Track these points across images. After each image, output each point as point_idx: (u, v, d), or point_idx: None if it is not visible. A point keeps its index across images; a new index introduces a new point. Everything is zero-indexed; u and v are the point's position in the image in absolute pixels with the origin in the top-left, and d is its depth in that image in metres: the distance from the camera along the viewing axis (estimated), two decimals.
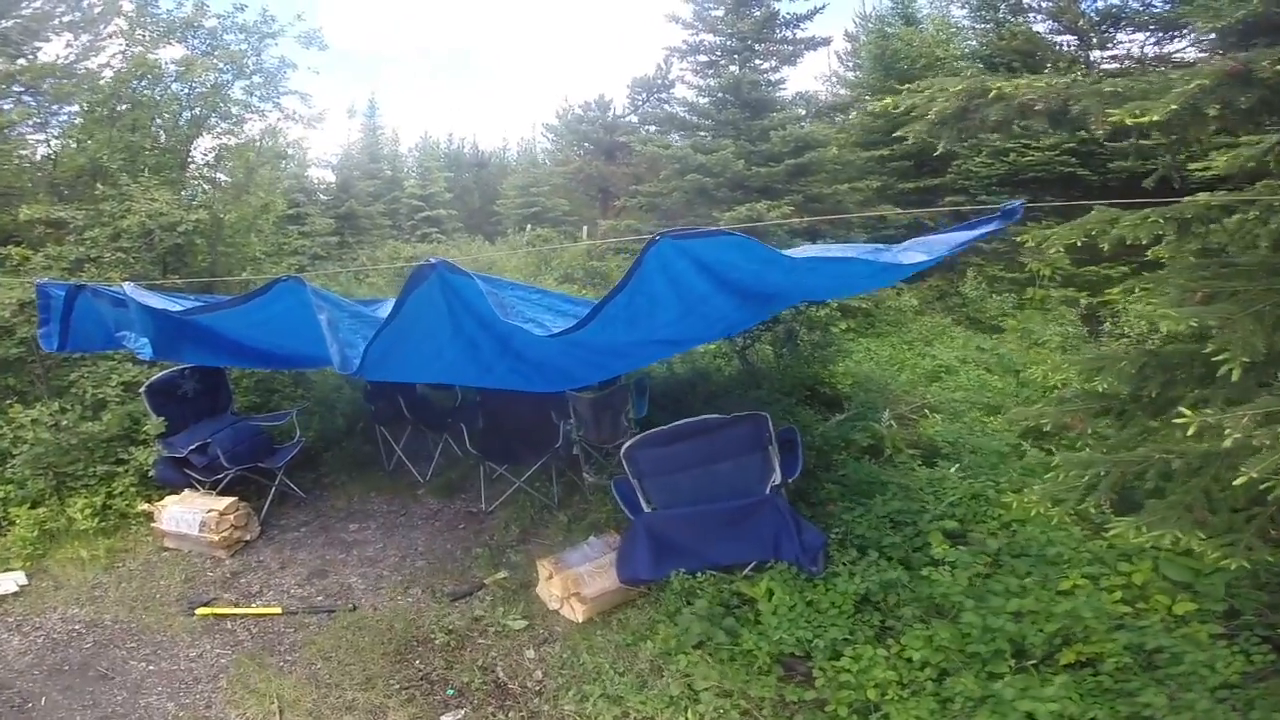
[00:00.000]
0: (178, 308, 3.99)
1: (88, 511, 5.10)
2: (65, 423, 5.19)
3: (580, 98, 33.48)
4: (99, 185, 6.26)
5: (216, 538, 4.89)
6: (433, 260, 2.94)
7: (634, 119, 22.22)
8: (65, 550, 4.92)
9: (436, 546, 5.17)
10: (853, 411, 6.18)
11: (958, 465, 5.03)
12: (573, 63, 68.85)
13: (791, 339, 7.57)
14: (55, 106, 7.78)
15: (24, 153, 7.68)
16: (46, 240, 6.07)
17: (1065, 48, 14.73)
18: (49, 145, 7.79)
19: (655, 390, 6.71)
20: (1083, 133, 12.09)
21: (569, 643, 3.95)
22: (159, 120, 7.18)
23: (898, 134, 3.80)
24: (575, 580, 4.20)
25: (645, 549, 3.89)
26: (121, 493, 5.32)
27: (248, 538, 5.18)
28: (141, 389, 5.41)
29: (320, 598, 4.48)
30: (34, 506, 5.13)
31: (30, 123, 7.72)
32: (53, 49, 9.46)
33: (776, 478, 3.97)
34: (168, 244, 6.21)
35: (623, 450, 3.86)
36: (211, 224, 6.52)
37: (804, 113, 12.85)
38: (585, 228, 18.18)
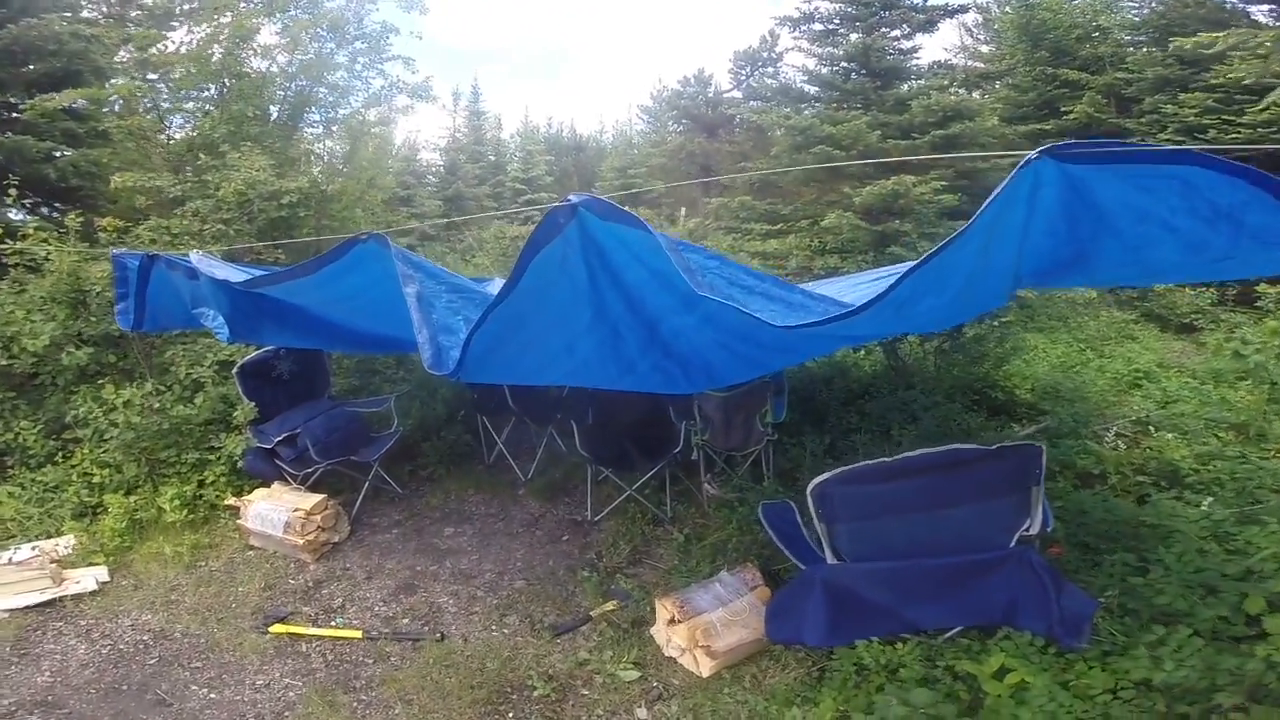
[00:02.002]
0: (243, 277, 3.44)
1: (177, 502, 4.77)
2: (158, 405, 4.87)
3: (677, 75, 32.13)
4: (201, 155, 5.99)
5: (301, 541, 4.41)
6: (572, 198, 2.09)
7: (737, 94, 20.99)
8: (151, 544, 4.59)
9: (537, 562, 4.48)
10: (1045, 424, 5.00)
11: (1211, 500, 3.80)
12: (666, 43, 66.85)
13: (957, 331, 6.35)
14: (183, 92, 7.74)
15: (158, 135, 7.65)
16: (150, 213, 5.84)
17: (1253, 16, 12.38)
18: (174, 127, 7.76)
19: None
20: None
21: (689, 702, 3.16)
22: (266, 93, 6.88)
23: (1064, 109, 2.68)
24: (705, 631, 3.37)
25: (821, 609, 2.97)
26: (213, 483, 4.96)
27: (336, 539, 4.69)
28: (234, 370, 5.02)
29: (406, 620, 3.86)
30: (128, 493, 4.86)
31: (163, 105, 7.69)
32: (177, 37, 9.63)
33: (1033, 526, 2.92)
34: (269, 216, 5.86)
35: (812, 487, 2.94)
36: (315, 197, 6.13)
37: (948, 82, 11.27)
38: (684, 209, 17.19)
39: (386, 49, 7.34)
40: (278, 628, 3.71)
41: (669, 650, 3.47)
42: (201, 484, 4.98)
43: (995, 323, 6.42)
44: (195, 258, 3.45)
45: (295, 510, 4.50)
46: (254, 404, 4.92)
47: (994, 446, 2.93)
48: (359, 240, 2.65)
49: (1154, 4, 12.76)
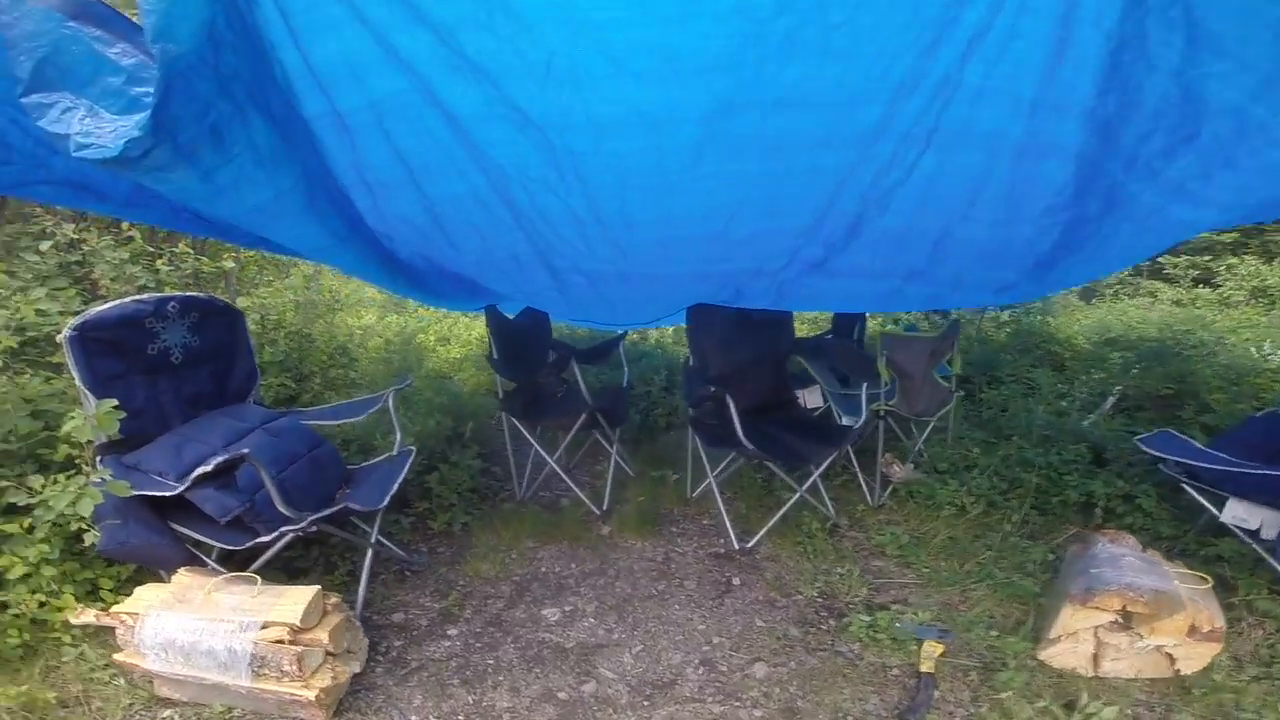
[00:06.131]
0: None
1: None
2: None
3: None
4: None
5: (313, 692, 1.97)
6: None
7: None
8: None
9: (737, 627, 2.66)
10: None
11: None
12: None
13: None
14: None
15: None
16: None
17: None
18: None
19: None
20: None
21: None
22: None
23: None
24: (1210, 614, 2.24)
25: None
26: (25, 578, 2.20)
27: (356, 667, 2.26)
28: (65, 332, 2.31)
29: None
30: None
31: None
32: None
33: None
34: None
35: None
36: None
37: None
38: None
39: None
40: None
41: (1101, 666, 2.28)
42: (5, 581, 2.20)
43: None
44: None
45: (265, 626, 2.03)
46: (115, 405, 2.27)
47: None
48: None
49: None
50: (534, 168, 1.90)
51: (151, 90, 1.43)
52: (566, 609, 2.76)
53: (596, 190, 1.98)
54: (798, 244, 2.26)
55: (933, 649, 2.38)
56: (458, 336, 5.33)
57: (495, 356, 3.54)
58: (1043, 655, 2.34)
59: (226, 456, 2.17)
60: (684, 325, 3.54)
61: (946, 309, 4.36)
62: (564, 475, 3.60)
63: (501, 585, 2.91)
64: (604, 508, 3.54)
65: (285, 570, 2.68)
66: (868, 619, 2.58)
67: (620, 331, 4.07)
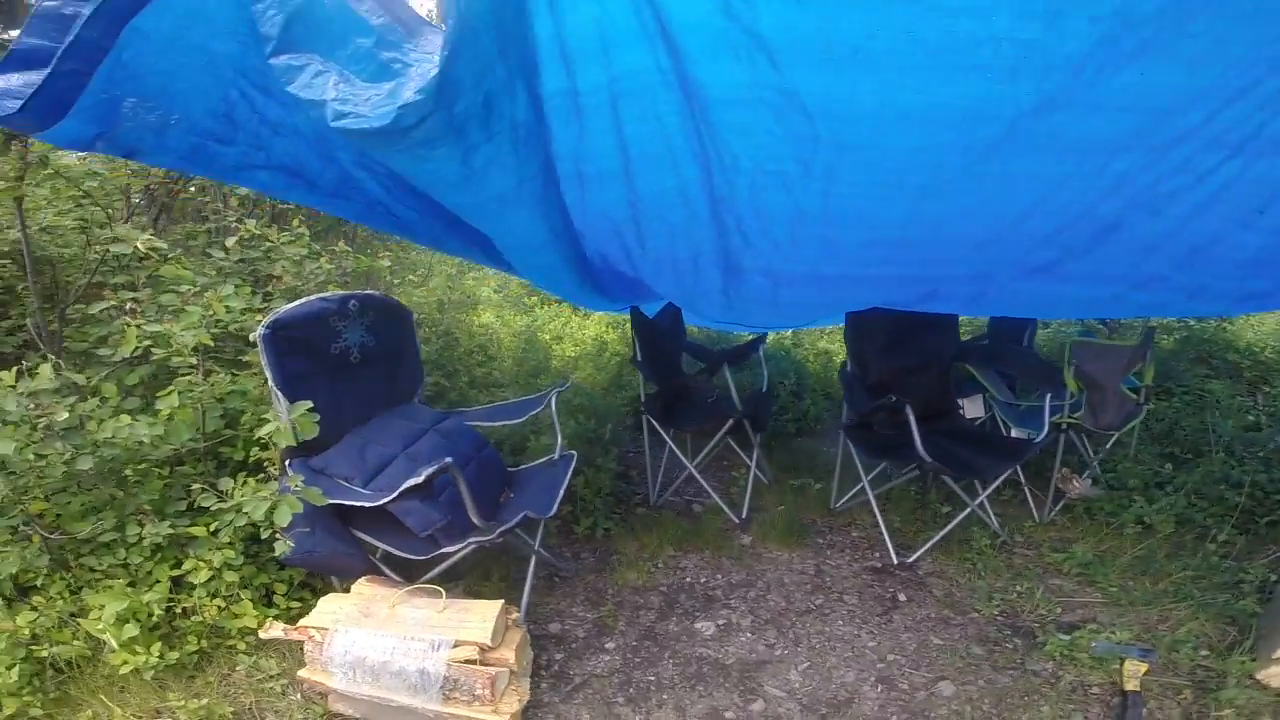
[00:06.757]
0: None
1: (132, 628, 2.08)
2: (70, 419, 2.11)
3: None
4: None
5: (502, 718, 1.96)
6: None
7: None
8: (90, 714, 1.91)
9: (910, 646, 2.51)
10: None
11: None
12: None
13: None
14: None
15: None
16: None
17: None
18: None
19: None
20: None
21: None
22: None
23: None
24: None
25: None
26: (207, 581, 2.25)
27: (527, 685, 2.22)
28: (257, 330, 2.34)
29: None
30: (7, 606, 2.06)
31: None
32: None
33: None
34: None
35: None
36: None
37: None
38: None
39: None
40: None
41: None
42: (178, 585, 2.26)
43: None
44: None
45: (456, 645, 2.00)
46: (307, 405, 2.28)
47: None
48: None
49: None
50: (773, 160, 1.78)
51: (399, 56, 1.37)
52: (720, 623, 2.68)
53: (845, 188, 1.85)
54: (1031, 247, 2.08)
55: (1136, 668, 2.28)
56: (570, 335, 5.30)
57: (639, 358, 3.45)
58: (1260, 675, 2.26)
59: (434, 467, 2.13)
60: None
61: (1166, 317, 4.08)
62: (702, 480, 3.49)
63: (650, 596, 2.84)
64: (743, 516, 3.44)
65: (445, 576, 2.67)
66: (1066, 638, 2.44)
67: (755, 334, 3.93)
